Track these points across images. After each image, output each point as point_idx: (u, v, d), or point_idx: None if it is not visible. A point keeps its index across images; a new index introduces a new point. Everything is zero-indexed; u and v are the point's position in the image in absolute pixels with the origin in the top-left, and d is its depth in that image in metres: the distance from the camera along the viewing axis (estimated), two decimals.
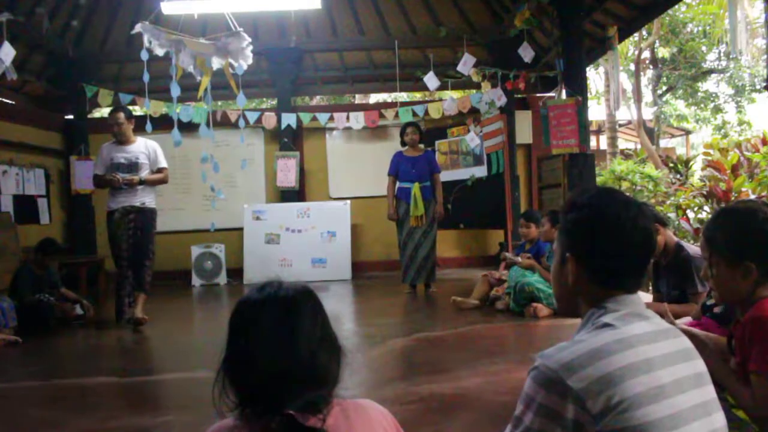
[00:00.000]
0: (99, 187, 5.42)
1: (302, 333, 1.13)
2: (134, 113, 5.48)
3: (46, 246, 5.75)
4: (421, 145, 6.53)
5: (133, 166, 5.20)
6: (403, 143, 6.44)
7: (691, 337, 1.84)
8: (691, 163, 9.96)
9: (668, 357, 1.15)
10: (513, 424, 1.15)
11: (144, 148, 5.28)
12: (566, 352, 1.12)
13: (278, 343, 1.11)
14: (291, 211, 8.10)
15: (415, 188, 6.18)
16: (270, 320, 1.12)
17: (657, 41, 14.40)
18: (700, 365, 1.21)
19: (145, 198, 5.21)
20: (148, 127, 5.33)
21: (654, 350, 1.14)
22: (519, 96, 8.25)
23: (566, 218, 1.28)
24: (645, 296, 5.37)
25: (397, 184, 6.38)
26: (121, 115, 5.20)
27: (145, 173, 5.22)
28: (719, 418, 1.18)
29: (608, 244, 1.22)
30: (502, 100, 7.17)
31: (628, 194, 1.35)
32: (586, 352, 1.10)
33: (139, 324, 4.99)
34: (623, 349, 1.11)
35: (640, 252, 1.24)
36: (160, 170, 5.33)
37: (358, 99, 13.98)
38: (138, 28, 4.67)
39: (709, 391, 1.19)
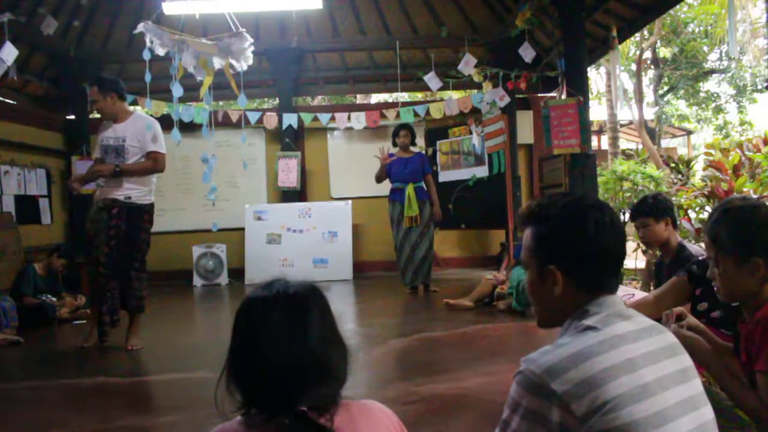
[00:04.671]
0: None
1: (315, 329, 1.12)
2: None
3: (63, 249, 5.96)
4: (413, 148, 6.52)
5: (119, 150, 4.22)
6: (395, 144, 6.45)
7: (698, 338, 1.83)
8: (692, 163, 9.93)
9: (651, 355, 1.16)
10: (500, 428, 1.16)
11: (134, 126, 4.27)
12: (549, 356, 1.13)
13: (292, 340, 1.10)
14: (292, 211, 8.10)
15: (409, 189, 6.18)
16: (283, 317, 1.11)
17: (658, 41, 14.38)
18: (685, 360, 1.22)
19: (132, 191, 4.20)
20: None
21: (637, 349, 1.15)
22: (520, 96, 8.25)
23: (541, 231, 1.28)
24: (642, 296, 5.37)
25: (391, 186, 6.37)
26: (93, 91, 4.23)
27: (134, 159, 4.23)
28: (707, 412, 1.18)
29: (591, 250, 1.23)
30: (504, 101, 7.16)
31: (594, 197, 1.35)
32: (568, 356, 1.11)
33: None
34: (606, 351, 1.12)
35: (620, 252, 1.27)
36: (149, 155, 4.26)
37: (360, 99, 13.97)
38: (141, 27, 4.66)
39: (696, 386, 1.20)
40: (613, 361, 1.10)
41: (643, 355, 1.14)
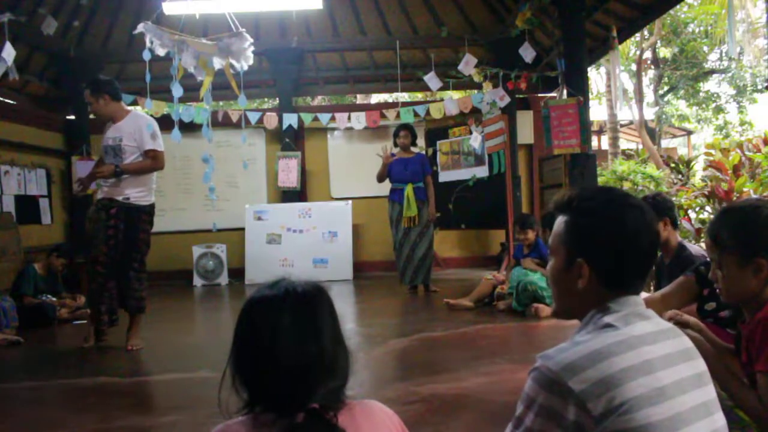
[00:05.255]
0: None
1: (323, 329, 1.13)
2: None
3: (62, 248, 5.93)
4: (414, 148, 6.52)
5: (117, 150, 4.20)
6: (396, 144, 6.45)
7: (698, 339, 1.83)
8: (692, 163, 9.95)
9: (669, 357, 1.15)
10: (514, 425, 1.15)
11: (131, 126, 4.23)
12: (567, 354, 1.11)
13: (301, 339, 1.09)
14: (292, 211, 8.10)
15: (408, 189, 6.17)
16: (292, 316, 1.10)
17: (658, 41, 14.40)
18: (700, 365, 1.21)
19: (131, 191, 4.18)
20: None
21: (655, 351, 1.14)
22: (520, 96, 8.25)
23: (578, 223, 1.25)
24: (645, 296, 5.37)
25: (390, 186, 6.37)
26: (86, 93, 4.25)
27: (131, 158, 4.19)
28: (720, 418, 1.18)
29: (625, 250, 1.22)
30: (504, 101, 7.16)
31: (634, 196, 1.33)
32: (587, 354, 1.10)
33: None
34: (624, 351, 1.11)
35: (651, 255, 1.26)
36: (147, 154, 4.22)
37: (360, 99, 13.98)
38: (140, 28, 4.66)
39: (710, 391, 1.19)
40: (631, 361, 1.09)
41: (660, 357, 1.13)
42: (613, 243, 1.21)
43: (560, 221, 1.29)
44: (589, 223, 1.24)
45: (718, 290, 1.76)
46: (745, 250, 1.65)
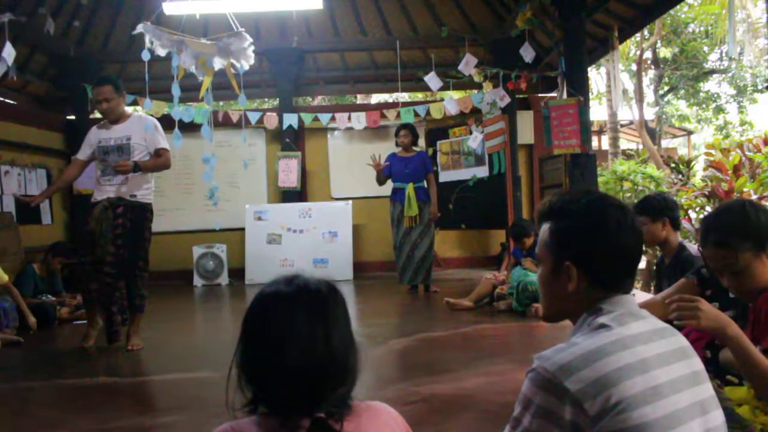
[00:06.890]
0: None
1: (335, 329, 1.08)
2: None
3: (58, 248, 5.86)
4: (416, 147, 6.52)
5: (123, 149, 4.19)
6: (397, 144, 6.46)
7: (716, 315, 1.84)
8: (692, 163, 9.96)
9: (664, 356, 1.16)
10: (511, 425, 1.16)
11: (138, 125, 4.26)
12: (563, 354, 1.12)
13: (315, 338, 1.05)
14: (292, 211, 8.10)
15: (409, 188, 6.17)
16: (306, 314, 1.06)
17: (659, 41, 14.39)
18: (696, 363, 1.22)
19: (138, 189, 4.21)
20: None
21: (650, 350, 1.15)
22: (520, 96, 8.25)
23: (561, 226, 1.27)
24: (647, 297, 5.36)
25: (392, 185, 6.38)
26: (108, 89, 4.18)
27: (139, 157, 4.21)
28: (716, 416, 1.18)
29: (610, 250, 1.23)
30: (504, 101, 7.16)
31: (615, 197, 1.35)
32: (582, 354, 1.11)
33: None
34: (619, 350, 1.12)
35: (637, 253, 1.27)
36: (158, 152, 4.29)
37: (360, 99, 13.98)
38: (140, 28, 4.66)
39: (706, 390, 1.20)
40: (626, 360, 1.10)
41: (655, 356, 1.14)
42: (597, 244, 1.23)
43: (545, 228, 1.31)
44: (573, 225, 1.26)
45: (732, 290, 1.80)
46: (755, 241, 1.76)
